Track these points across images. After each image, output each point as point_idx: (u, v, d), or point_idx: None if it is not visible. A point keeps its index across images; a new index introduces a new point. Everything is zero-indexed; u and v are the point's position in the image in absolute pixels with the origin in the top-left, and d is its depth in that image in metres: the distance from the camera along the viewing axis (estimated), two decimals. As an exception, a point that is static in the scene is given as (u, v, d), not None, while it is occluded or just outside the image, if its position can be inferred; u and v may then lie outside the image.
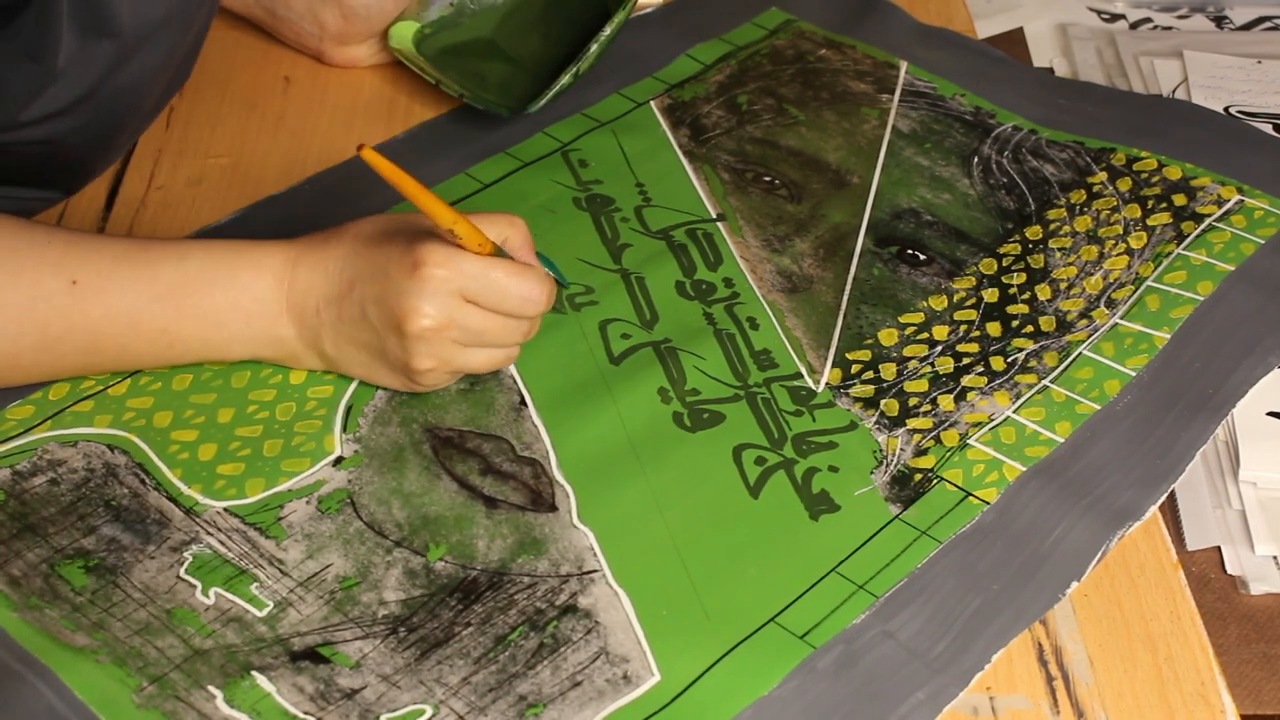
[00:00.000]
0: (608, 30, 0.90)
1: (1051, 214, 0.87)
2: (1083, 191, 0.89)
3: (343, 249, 0.72)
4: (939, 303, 0.81)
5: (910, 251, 0.85)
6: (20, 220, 0.71)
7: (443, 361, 0.71)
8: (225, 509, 0.69)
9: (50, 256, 0.70)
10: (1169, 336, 0.79)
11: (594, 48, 0.89)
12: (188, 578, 0.66)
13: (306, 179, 0.89)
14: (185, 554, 0.67)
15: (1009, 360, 0.78)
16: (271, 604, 0.65)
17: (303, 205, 0.87)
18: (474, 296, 0.70)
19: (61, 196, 0.84)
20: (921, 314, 0.81)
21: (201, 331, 0.72)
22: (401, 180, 0.67)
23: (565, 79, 0.89)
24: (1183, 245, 0.84)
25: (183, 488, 0.70)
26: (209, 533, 0.68)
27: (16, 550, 0.67)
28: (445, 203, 0.68)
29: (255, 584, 0.66)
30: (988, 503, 0.70)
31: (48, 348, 0.70)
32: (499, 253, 0.71)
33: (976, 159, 0.92)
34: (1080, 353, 0.78)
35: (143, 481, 0.70)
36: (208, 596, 0.65)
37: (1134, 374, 0.77)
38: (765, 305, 0.81)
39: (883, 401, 0.76)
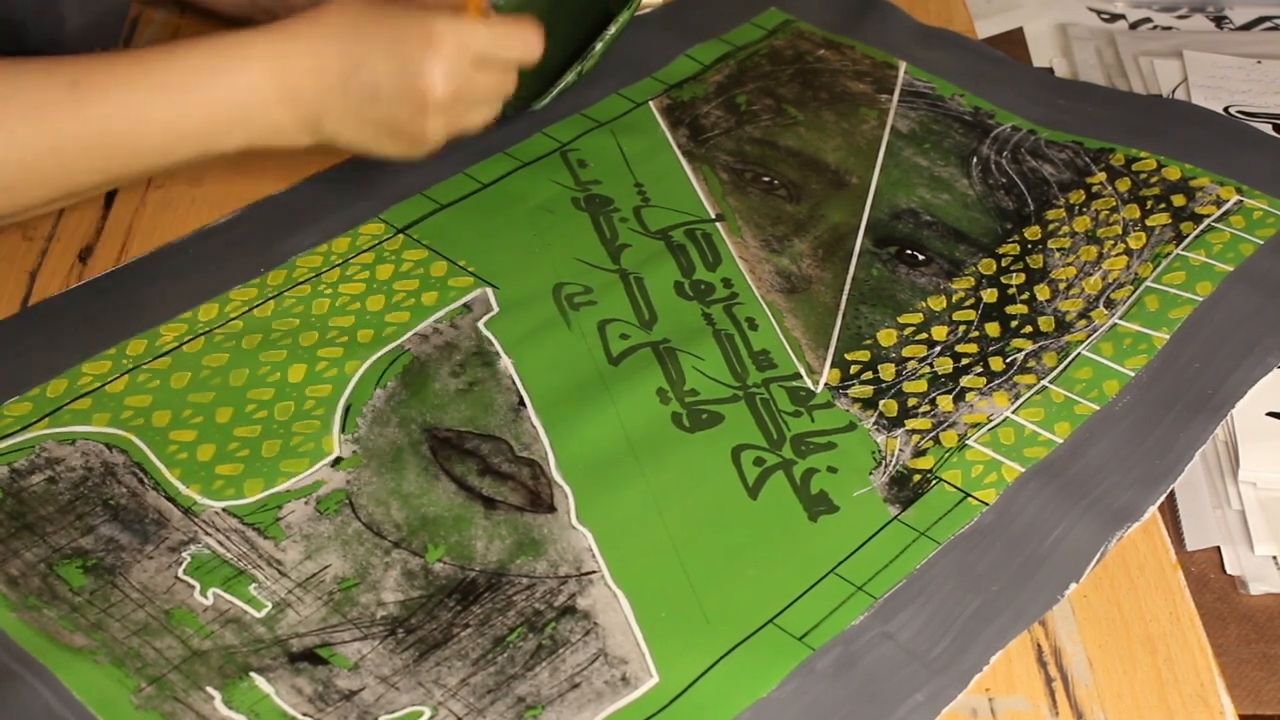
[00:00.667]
0: (613, 29, 0.89)
1: (1050, 214, 0.87)
2: (1082, 192, 0.89)
3: (336, 29, 0.75)
4: (938, 303, 0.81)
5: (909, 252, 0.85)
6: (9, 58, 0.73)
7: (452, 124, 0.77)
8: (224, 509, 0.69)
9: (47, 66, 0.72)
10: (1168, 337, 0.79)
11: (599, 46, 0.89)
12: (186, 578, 0.66)
13: (305, 179, 0.89)
14: (184, 554, 0.67)
15: (1008, 361, 0.78)
16: (270, 605, 0.65)
17: (304, 204, 0.87)
18: (486, 56, 0.76)
19: None
20: (920, 314, 0.81)
21: (203, 123, 0.74)
22: None
23: (570, 77, 0.89)
24: (1182, 246, 0.84)
25: (181, 487, 0.70)
26: (207, 533, 0.68)
27: (14, 549, 0.67)
28: None
29: (254, 584, 0.66)
30: (987, 503, 0.70)
31: (59, 150, 0.71)
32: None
33: (975, 159, 0.92)
34: (1079, 353, 0.78)
35: (141, 481, 0.70)
36: (206, 597, 0.65)
37: (1133, 374, 0.77)
38: (764, 305, 0.81)
39: (881, 402, 0.75)
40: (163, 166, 0.75)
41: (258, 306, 0.80)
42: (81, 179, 0.73)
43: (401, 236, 0.84)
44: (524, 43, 0.79)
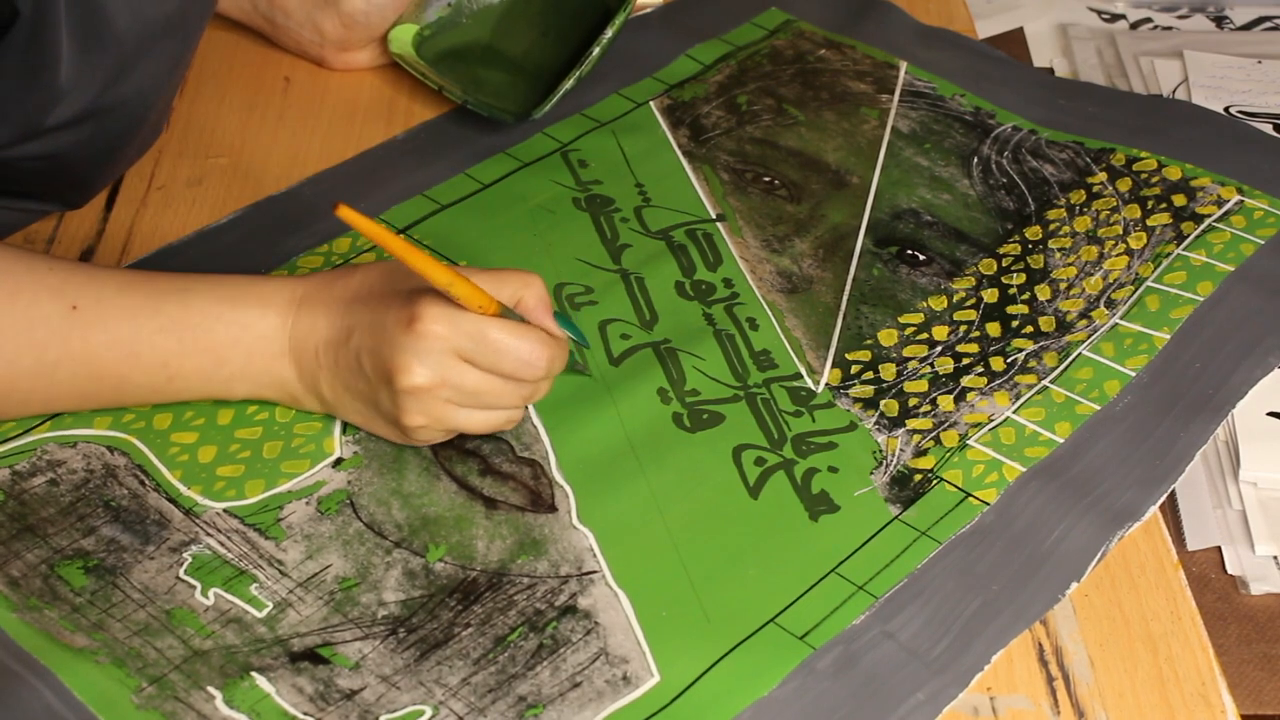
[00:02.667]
0: (609, 32, 0.89)
1: (1051, 214, 0.87)
2: (1082, 192, 0.89)
3: (347, 294, 0.70)
4: (939, 303, 0.81)
5: (910, 252, 0.85)
6: (18, 248, 0.70)
7: (435, 420, 0.68)
8: (225, 510, 0.69)
9: (50, 282, 0.68)
10: (1169, 337, 0.79)
11: (595, 51, 0.89)
12: (187, 578, 0.66)
13: (306, 179, 0.89)
14: (185, 555, 0.67)
15: (1009, 361, 0.78)
16: (271, 605, 0.65)
17: (302, 205, 0.87)
18: (470, 356, 0.67)
19: (63, 209, 0.83)
20: (921, 314, 0.81)
21: (203, 367, 0.70)
22: (387, 240, 0.62)
23: (569, 83, 0.89)
24: (1182, 246, 0.84)
25: (182, 489, 0.70)
26: (208, 533, 0.68)
27: (16, 551, 0.67)
28: (440, 262, 0.65)
29: (255, 585, 0.66)
30: (987, 503, 0.70)
31: (45, 374, 0.68)
32: (506, 313, 0.67)
33: (976, 159, 0.92)
34: (1080, 353, 0.78)
35: (142, 482, 0.70)
36: (207, 597, 0.65)
37: (1134, 374, 0.77)
38: (765, 305, 0.81)
39: (882, 402, 0.75)
40: (152, 402, 0.72)
41: (259, 307, 0.79)
42: (65, 402, 0.71)
43: (402, 237, 0.84)
44: (525, 355, 0.67)
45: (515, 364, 0.67)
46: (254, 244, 0.84)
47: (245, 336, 0.70)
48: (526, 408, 0.74)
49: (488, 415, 0.70)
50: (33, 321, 0.67)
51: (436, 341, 0.66)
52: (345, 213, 0.61)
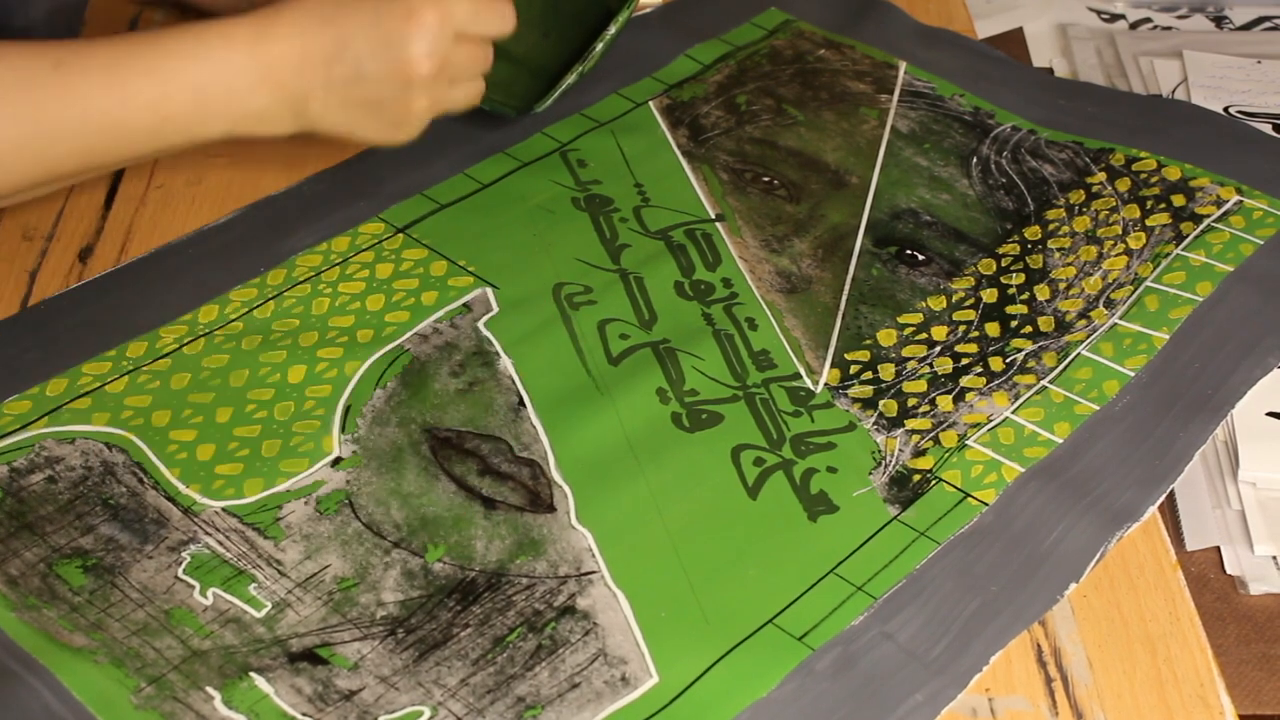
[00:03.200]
0: (613, 29, 0.89)
1: (1050, 214, 0.87)
2: (1081, 192, 0.89)
3: (318, 10, 0.75)
4: (938, 303, 0.81)
5: (909, 252, 0.85)
6: None
7: (436, 100, 0.77)
8: (223, 509, 0.69)
9: (29, 50, 0.71)
10: (1168, 337, 0.78)
11: (599, 46, 0.89)
12: (186, 578, 0.66)
13: (306, 179, 0.89)
14: (183, 554, 0.67)
15: (1008, 361, 0.78)
16: (270, 605, 0.65)
17: (304, 204, 0.87)
18: (465, 28, 0.76)
19: None
20: (920, 314, 0.81)
21: (187, 107, 0.73)
22: None
23: (571, 78, 0.89)
24: (1181, 246, 0.84)
25: (181, 487, 0.70)
26: (207, 532, 0.68)
27: (14, 549, 0.67)
28: None
29: (253, 584, 0.66)
30: (986, 504, 0.70)
31: (42, 131, 0.71)
32: None
33: (975, 159, 0.92)
34: (1079, 353, 0.78)
35: (141, 480, 0.70)
36: (206, 597, 0.65)
37: (1133, 374, 0.77)
38: (764, 305, 0.81)
39: (881, 402, 0.75)
40: (148, 152, 0.75)
41: (257, 307, 0.79)
42: (65, 162, 0.73)
43: (401, 236, 0.84)
44: (500, 16, 0.79)
45: (499, 23, 0.79)
46: (253, 244, 0.84)
47: (222, 72, 0.73)
48: (525, 408, 0.74)
49: (470, 87, 0.80)
50: (25, 82, 0.70)
51: (438, 26, 0.75)
52: None
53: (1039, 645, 0.65)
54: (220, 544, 0.67)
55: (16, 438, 0.72)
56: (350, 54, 0.74)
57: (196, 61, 0.73)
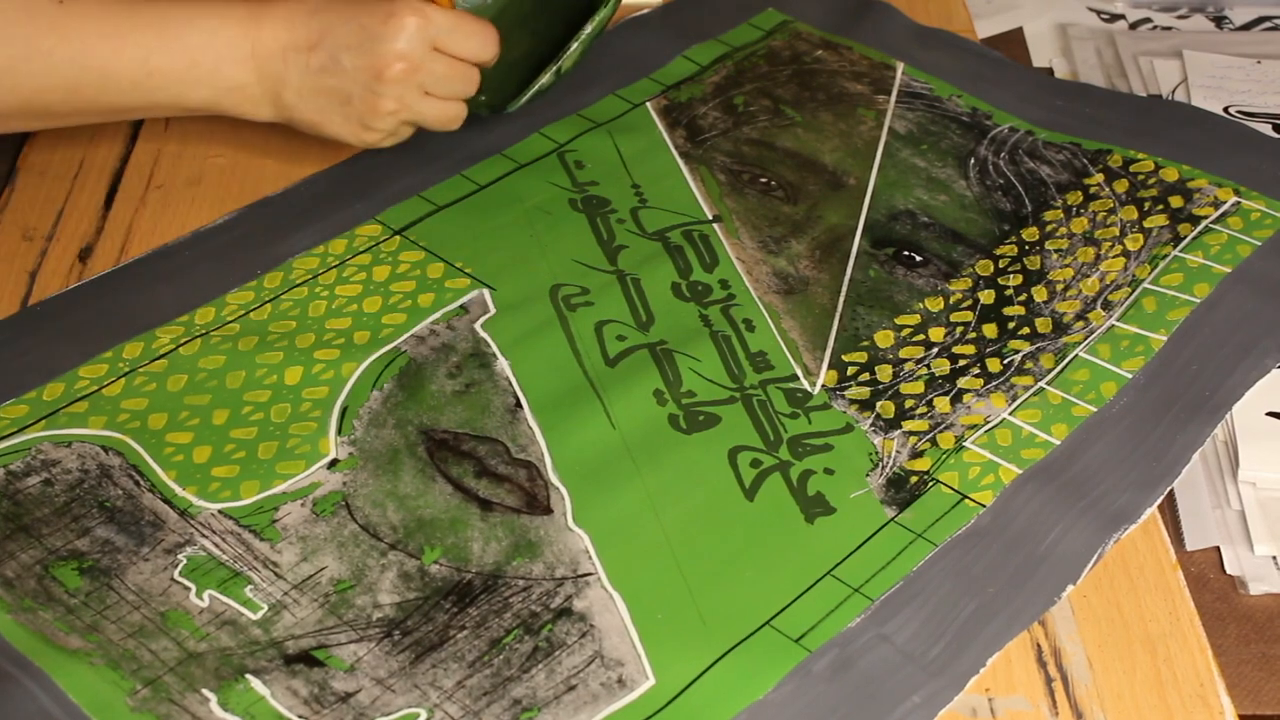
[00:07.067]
0: (588, 28, 0.88)
1: (1048, 215, 0.87)
2: (1079, 193, 0.89)
3: (309, 2, 0.78)
4: (935, 304, 0.81)
5: (907, 253, 0.85)
6: None
7: (404, 105, 0.79)
8: (220, 511, 0.69)
9: None
10: (1165, 339, 0.78)
11: (574, 46, 0.88)
12: (182, 580, 0.66)
13: (305, 179, 0.89)
14: (179, 556, 0.67)
15: (1005, 362, 0.78)
16: (266, 607, 0.65)
17: (301, 206, 0.87)
18: (442, 44, 0.79)
19: None
20: (918, 316, 0.81)
21: (177, 67, 0.77)
22: None
23: (545, 78, 0.89)
24: (1179, 247, 0.84)
25: (177, 489, 0.70)
26: (203, 535, 0.68)
27: (10, 551, 0.67)
28: None
29: (249, 587, 0.66)
30: (984, 505, 0.70)
31: (32, 58, 0.74)
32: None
33: (973, 160, 0.91)
34: (1077, 355, 0.78)
35: (137, 483, 0.70)
36: (202, 599, 0.65)
37: (1130, 376, 0.76)
38: (761, 307, 0.81)
39: (879, 403, 0.75)
40: (130, 105, 0.78)
41: (254, 309, 0.79)
42: (49, 96, 0.76)
43: (398, 238, 0.84)
44: (482, 40, 0.81)
45: (478, 46, 0.81)
46: (252, 244, 0.84)
47: (214, 41, 0.78)
48: (522, 409, 0.74)
49: (443, 105, 0.82)
50: (26, 12, 0.74)
51: (417, 30, 0.78)
52: None
53: (1039, 645, 0.65)
54: (216, 546, 0.67)
55: (13, 441, 0.71)
56: (328, 44, 0.77)
57: (192, 27, 0.77)
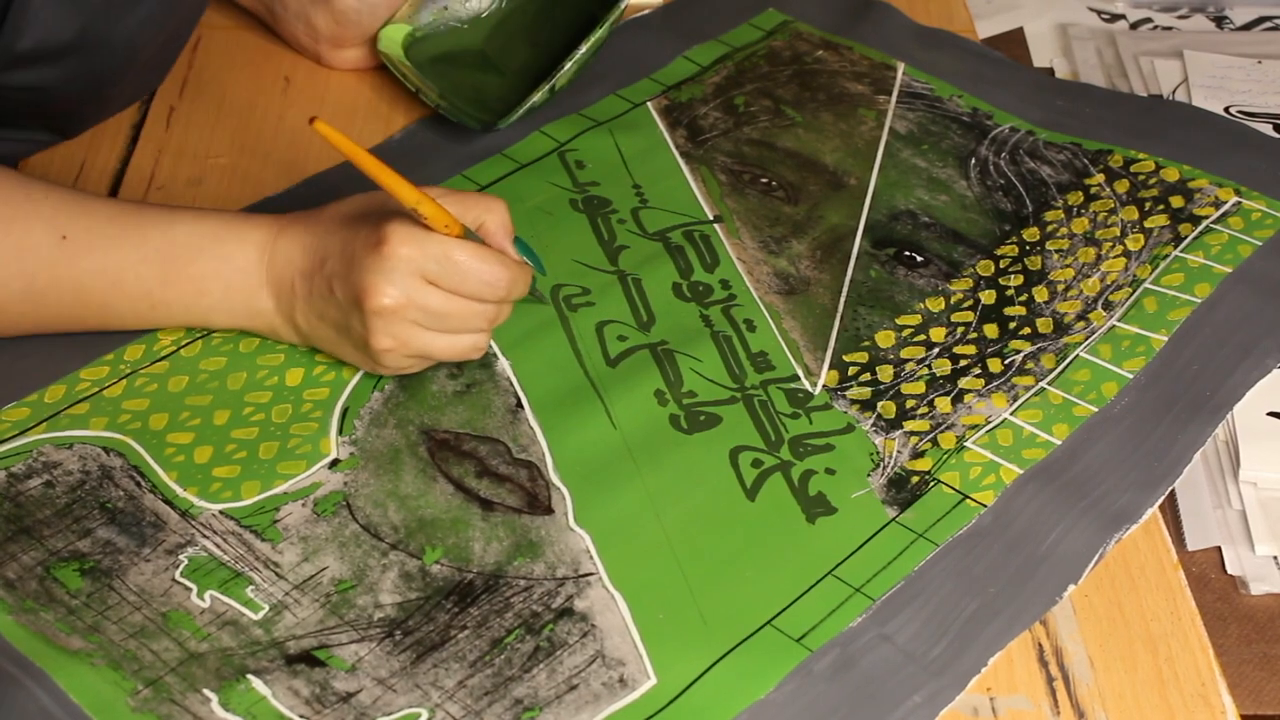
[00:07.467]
0: (583, 48, 0.89)
1: (1049, 216, 0.87)
2: (1080, 193, 0.89)
3: (321, 226, 0.73)
4: (936, 304, 0.81)
5: (907, 253, 0.85)
6: (17, 174, 0.73)
7: (401, 343, 0.70)
8: (221, 511, 0.69)
9: (43, 211, 0.71)
10: (1166, 339, 0.78)
11: (569, 65, 0.89)
12: (183, 580, 0.66)
13: (305, 179, 0.89)
14: (180, 557, 0.67)
15: (1006, 362, 0.78)
16: (267, 607, 0.65)
17: (302, 206, 0.86)
18: (435, 278, 0.69)
19: (56, 140, 0.85)
20: (919, 316, 0.81)
21: (184, 296, 0.73)
22: (359, 156, 0.66)
23: (538, 96, 0.88)
24: (1180, 247, 0.84)
25: (178, 490, 0.70)
26: (205, 535, 0.68)
27: (11, 553, 0.67)
28: (408, 181, 0.68)
29: (251, 587, 0.66)
30: (985, 505, 0.70)
31: (33, 299, 0.72)
32: (469, 235, 0.70)
33: (974, 160, 0.91)
34: (1077, 355, 0.78)
35: (138, 484, 0.70)
36: (203, 599, 0.65)
37: (1131, 376, 0.76)
38: (762, 307, 0.81)
39: (880, 404, 0.75)
40: (136, 328, 0.75)
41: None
42: (53, 325, 0.74)
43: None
44: (489, 279, 0.70)
45: (478, 284, 0.70)
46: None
47: (225, 269, 0.73)
48: (523, 409, 0.74)
49: (453, 340, 0.72)
50: (24, 250, 0.71)
51: (402, 263, 0.68)
52: (321, 127, 0.65)
53: (1040, 644, 0.65)
54: (218, 546, 0.67)
55: (15, 444, 0.71)
56: (325, 271, 0.71)
57: (203, 255, 0.72)
